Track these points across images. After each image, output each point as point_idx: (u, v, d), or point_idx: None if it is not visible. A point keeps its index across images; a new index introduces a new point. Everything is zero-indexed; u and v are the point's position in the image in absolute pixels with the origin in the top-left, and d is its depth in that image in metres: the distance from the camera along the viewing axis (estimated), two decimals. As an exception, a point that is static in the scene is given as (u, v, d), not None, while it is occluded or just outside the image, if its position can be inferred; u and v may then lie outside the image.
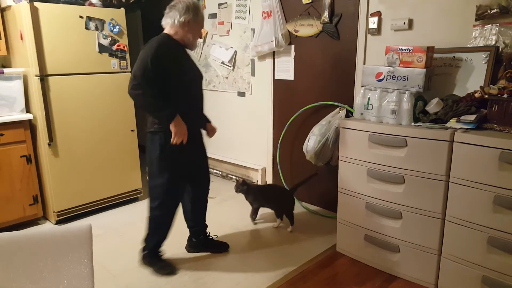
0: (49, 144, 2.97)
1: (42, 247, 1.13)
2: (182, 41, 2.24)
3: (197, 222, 2.63)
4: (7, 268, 1.08)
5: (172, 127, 2.14)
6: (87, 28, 3.08)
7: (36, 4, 2.79)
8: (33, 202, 3.07)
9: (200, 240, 2.66)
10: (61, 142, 3.04)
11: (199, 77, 2.38)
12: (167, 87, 2.15)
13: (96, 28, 3.13)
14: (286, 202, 3.00)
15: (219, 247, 2.67)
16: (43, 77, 2.89)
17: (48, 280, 1.08)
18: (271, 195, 3.04)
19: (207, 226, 2.69)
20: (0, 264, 1.08)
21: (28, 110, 3.05)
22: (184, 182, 2.44)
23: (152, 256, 2.45)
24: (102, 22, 3.16)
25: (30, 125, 3.01)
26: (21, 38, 2.87)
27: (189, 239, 2.68)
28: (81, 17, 3.03)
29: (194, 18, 2.23)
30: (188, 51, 2.34)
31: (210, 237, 2.71)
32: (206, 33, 4.03)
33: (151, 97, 2.09)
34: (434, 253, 2.13)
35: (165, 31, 2.24)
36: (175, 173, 2.30)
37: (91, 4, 3.15)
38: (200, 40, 4.11)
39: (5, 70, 2.92)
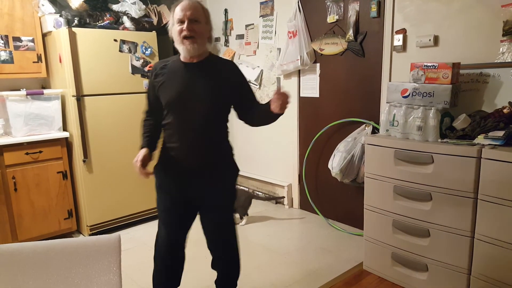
0: (84, 161, 3.12)
1: (75, 255, 1.21)
2: (182, 56, 1.83)
3: (216, 266, 2.15)
4: (44, 274, 1.16)
5: None
6: (121, 50, 3.25)
7: (74, 29, 2.99)
8: (67, 216, 3.21)
9: None
10: (95, 159, 3.19)
11: (190, 96, 1.78)
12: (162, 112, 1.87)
13: (129, 51, 3.30)
14: (245, 202, 3.35)
15: None
16: (80, 97, 3.06)
17: (80, 286, 1.15)
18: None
19: None
20: (37, 270, 1.16)
21: (65, 128, 3.22)
22: (170, 226, 1.98)
23: None
24: (135, 45, 3.32)
25: (66, 143, 3.17)
26: (60, 61, 3.06)
27: None
28: (115, 40, 3.21)
29: (171, 24, 1.80)
30: (206, 67, 1.83)
31: None
32: (234, 53, 4.15)
33: (142, 124, 1.95)
34: (463, 272, 2.06)
35: None
36: (159, 210, 2.00)
37: (124, 28, 3.33)
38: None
39: (45, 91, 3.11)
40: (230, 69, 1.89)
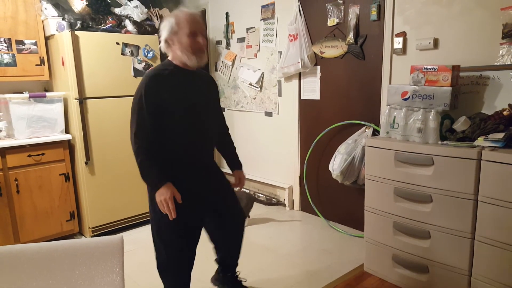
0: (86, 163, 3.13)
1: (78, 256, 1.22)
2: (181, 63, 1.88)
3: (227, 256, 2.33)
4: (47, 274, 1.17)
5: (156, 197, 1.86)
6: (123, 53, 3.27)
7: (76, 32, 3.01)
8: (70, 218, 3.22)
9: (227, 278, 2.36)
10: (97, 161, 3.20)
11: (199, 105, 1.92)
12: (164, 129, 1.84)
13: (132, 54, 3.32)
14: (247, 204, 3.36)
15: None
16: (82, 100, 3.08)
17: (83, 287, 1.16)
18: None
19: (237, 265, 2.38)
20: (41, 271, 1.18)
21: (67, 130, 3.24)
22: (189, 246, 2.04)
23: None
24: (137, 48, 3.35)
25: (69, 145, 3.19)
26: (63, 64, 3.08)
27: (217, 271, 2.42)
28: (117, 43, 3.23)
29: (174, 30, 1.82)
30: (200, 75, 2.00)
31: (239, 279, 2.39)
32: (235, 56, 4.17)
33: (142, 159, 1.81)
34: (464, 274, 2.07)
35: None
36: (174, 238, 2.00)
37: (127, 32, 3.35)
38: (228, 62, 4.24)
39: (48, 93, 3.13)
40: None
